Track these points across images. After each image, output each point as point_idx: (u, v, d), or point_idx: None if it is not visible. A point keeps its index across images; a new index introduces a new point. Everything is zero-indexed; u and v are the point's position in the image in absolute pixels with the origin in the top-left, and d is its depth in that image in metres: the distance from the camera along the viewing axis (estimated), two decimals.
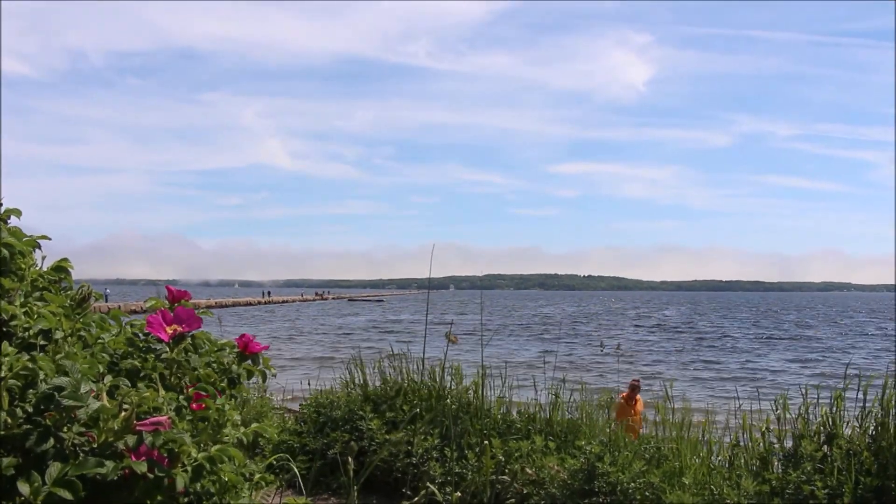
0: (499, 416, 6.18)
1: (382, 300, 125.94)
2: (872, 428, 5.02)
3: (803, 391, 5.41)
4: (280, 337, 35.85)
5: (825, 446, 5.02)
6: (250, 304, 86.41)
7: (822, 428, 5.15)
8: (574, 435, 5.97)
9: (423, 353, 6.27)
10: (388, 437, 5.87)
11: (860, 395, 5.24)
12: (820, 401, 5.32)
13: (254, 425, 2.16)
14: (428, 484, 5.32)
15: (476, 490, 5.27)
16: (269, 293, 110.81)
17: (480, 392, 6.18)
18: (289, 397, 9.94)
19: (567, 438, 5.94)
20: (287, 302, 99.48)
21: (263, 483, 2.22)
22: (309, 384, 8.16)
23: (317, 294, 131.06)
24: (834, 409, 5.16)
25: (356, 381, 7.08)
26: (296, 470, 3.89)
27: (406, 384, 6.61)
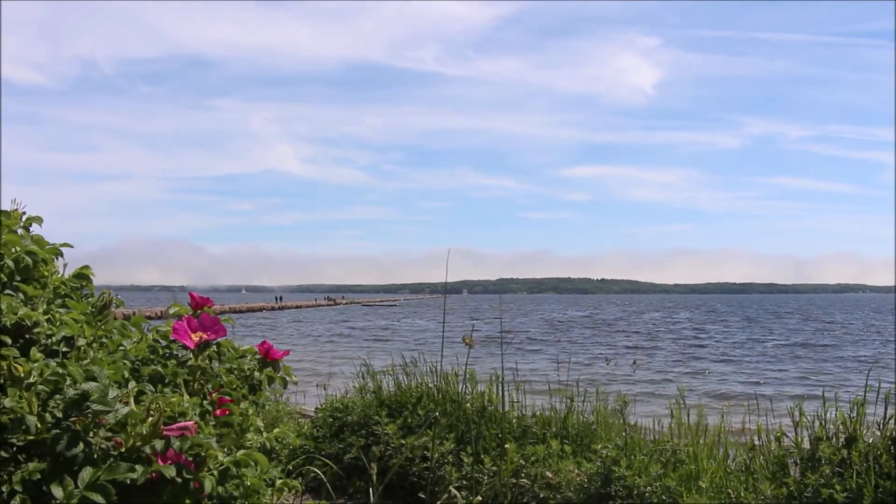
0: (514, 421, 6.17)
1: (396, 304, 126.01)
2: (892, 431, 4.97)
3: (822, 394, 5.37)
4: (294, 342, 35.91)
5: (844, 450, 4.97)
6: (264, 309, 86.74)
7: (840, 431, 5.11)
8: (590, 439, 5.95)
9: (441, 358, 6.28)
10: (403, 441, 5.87)
11: (881, 398, 5.19)
12: (839, 405, 5.28)
13: (276, 430, 2.18)
14: (450, 488, 5.31)
15: (496, 494, 5.26)
16: (281, 298, 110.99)
17: (502, 396, 6.17)
18: (303, 402, 9.96)
19: (583, 442, 5.92)
20: (300, 307, 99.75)
21: (286, 488, 2.23)
22: (325, 389, 8.18)
23: (329, 299, 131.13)
24: (854, 413, 5.11)
25: (370, 386, 7.09)
26: (321, 475, 3.90)
27: (421, 389, 6.61)
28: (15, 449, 1.69)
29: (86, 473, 1.56)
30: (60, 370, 1.70)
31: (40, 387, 1.67)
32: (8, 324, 1.88)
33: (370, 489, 5.06)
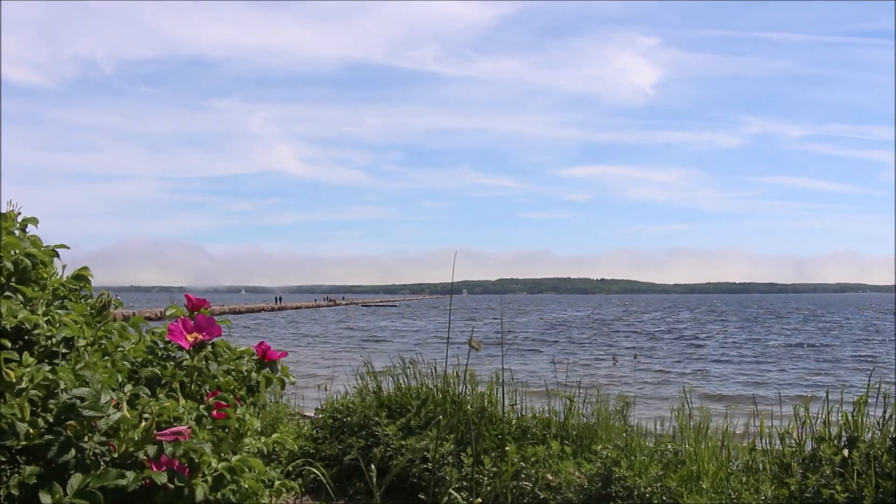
0: (514, 422, 6.15)
1: (396, 305, 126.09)
2: (892, 431, 4.96)
3: (825, 395, 5.36)
4: (294, 343, 35.89)
5: (845, 450, 4.96)
6: (263, 310, 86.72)
7: (842, 432, 5.10)
8: (590, 440, 5.94)
9: (445, 360, 6.27)
10: (403, 442, 5.86)
11: (881, 399, 5.18)
12: (841, 405, 5.26)
13: (274, 435, 2.16)
14: (450, 491, 5.30)
15: (496, 495, 5.25)
16: (280, 299, 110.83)
17: (502, 397, 6.16)
18: (303, 403, 9.94)
19: (583, 443, 5.91)
20: (300, 308, 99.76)
21: (284, 490, 2.22)
22: (326, 390, 8.17)
23: (329, 300, 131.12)
24: (855, 413, 5.10)
25: (370, 387, 7.07)
26: (321, 476, 3.89)
27: (422, 391, 6.59)
28: (13, 452, 1.68)
29: (75, 480, 1.53)
30: (51, 375, 1.68)
31: (32, 392, 1.65)
32: (8, 327, 1.87)
33: (371, 490, 5.05)
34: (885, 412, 5.04)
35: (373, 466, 4.46)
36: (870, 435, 5.04)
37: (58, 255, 2.31)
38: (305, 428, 6.88)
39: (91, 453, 1.66)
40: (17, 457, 1.68)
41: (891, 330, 49.03)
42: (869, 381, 5.43)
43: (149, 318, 2.63)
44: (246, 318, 63.45)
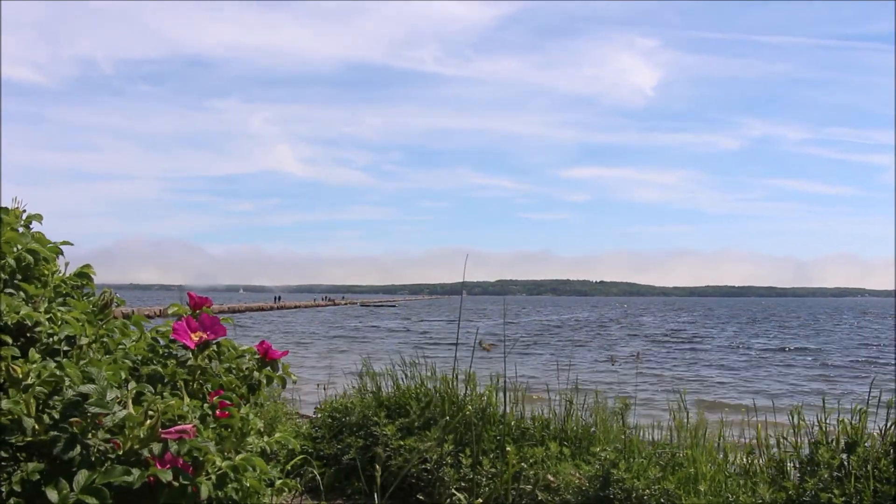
0: (513, 423, 6.15)
1: (395, 305, 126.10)
2: (892, 436, 4.95)
3: (823, 400, 5.35)
4: (291, 343, 35.86)
5: (843, 454, 4.96)
6: (262, 309, 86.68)
7: (840, 437, 5.09)
8: (588, 441, 5.94)
9: (453, 361, 6.27)
10: (402, 442, 5.86)
11: (881, 404, 5.18)
12: (838, 410, 5.26)
13: (277, 435, 2.17)
14: (453, 491, 5.30)
15: (496, 496, 5.25)
16: (279, 298, 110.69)
17: (504, 398, 6.16)
18: (301, 403, 9.93)
19: (581, 445, 5.91)
20: (299, 307, 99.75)
21: (285, 489, 2.22)
22: (325, 389, 8.15)
23: (328, 299, 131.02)
24: (854, 418, 5.09)
25: (369, 387, 7.07)
26: (318, 476, 3.89)
27: (421, 391, 6.58)
28: (14, 449, 1.68)
29: (81, 476, 1.54)
30: (58, 371, 1.68)
31: (38, 388, 1.66)
32: (9, 323, 1.87)
33: (371, 491, 5.05)
34: (887, 419, 5.03)
35: (377, 466, 4.46)
36: (868, 440, 5.03)
37: (61, 252, 2.31)
38: (304, 427, 6.87)
39: (96, 450, 1.66)
40: (18, 454, 1.69)
41: (890, 336, 49.02)
42: (870, 387, 5.43)
43: (148, 317, 2.63)
44: (242, 317, 63.39)
